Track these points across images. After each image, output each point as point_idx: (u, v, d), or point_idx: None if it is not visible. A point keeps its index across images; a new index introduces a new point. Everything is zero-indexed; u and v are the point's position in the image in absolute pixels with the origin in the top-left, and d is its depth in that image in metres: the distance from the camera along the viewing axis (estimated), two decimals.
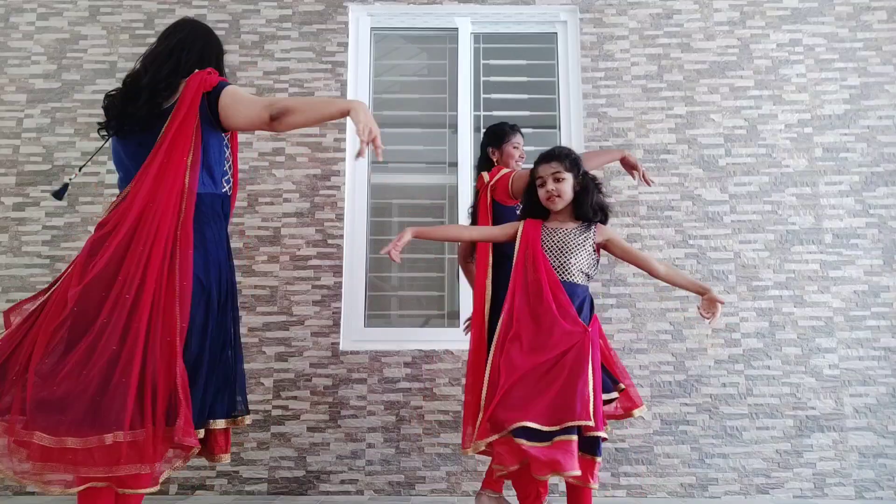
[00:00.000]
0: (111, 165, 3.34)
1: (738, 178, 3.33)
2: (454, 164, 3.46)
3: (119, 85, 1.97)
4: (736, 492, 3.03)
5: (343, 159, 3.37)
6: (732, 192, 3.32)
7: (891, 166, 3.35)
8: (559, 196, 2.30)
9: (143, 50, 2.07)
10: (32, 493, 3.02)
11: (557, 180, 2.31)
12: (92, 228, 3.28)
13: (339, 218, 3.31)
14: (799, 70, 3.45)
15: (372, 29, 3.61)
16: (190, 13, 3.46)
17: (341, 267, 3.26)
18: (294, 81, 3.44)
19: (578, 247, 2.28)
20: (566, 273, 2.26)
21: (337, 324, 3.21)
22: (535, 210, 2.39)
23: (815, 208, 3.31)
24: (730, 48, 3.48)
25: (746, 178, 3.34)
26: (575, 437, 2.01)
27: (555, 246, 2.29)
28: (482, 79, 3.58)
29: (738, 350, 3.16)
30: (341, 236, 3.29)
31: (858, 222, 3.29)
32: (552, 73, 3.58)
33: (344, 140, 3.38)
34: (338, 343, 3.18)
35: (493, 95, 3.56)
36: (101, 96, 3.46)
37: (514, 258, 2.32)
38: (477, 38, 3.63)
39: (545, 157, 2.38)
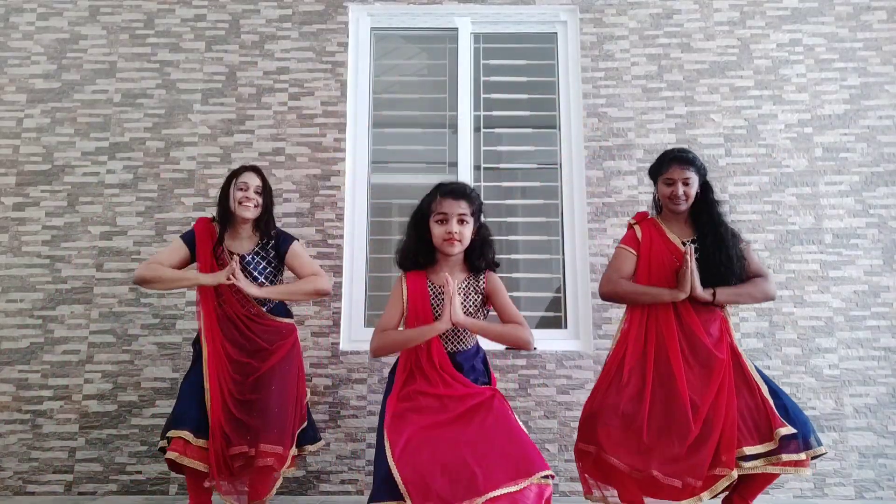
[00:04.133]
0: (111, 165, 3.35)
1: (738, 178, 3.33)
2: (454, 165, 3.45)
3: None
4: None
5: (343, 159, 3.36)
6: (732, 192, 3.32)
7: (891, 166, 3.34)
8: (459, 241, 1.93)
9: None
10: (32, 493, 3.02)
11: (462, 222, 1.94)
12: (92, 228, 3.30)
13: (339, 218, 3.31)
14: (799, 70, 3.45)
15: (372, 29, 3.61)
16: (190, 13, 3.46)
17: (341, 267, 3.27)
18: (294, 81, 3.44)
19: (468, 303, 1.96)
20: (458, 341, 1.95)
21: (337, 324, 3.21)
22: (419, 254, 1.99)
23: (815, 208, 3.31)
24: (730, 48, 3.48)
25: (746, 178, 3.34)
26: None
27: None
28: (482, 79, 3.58)
29: (738, 350, 3.15)
30: (341, 236, 3.30)
31: (858, 222, 3.29)
32: (552, 73, 3.58)
33: (344, 140, 3.38)
34: (338, 343, 3.19)
35: (493, 95, 3.56)
36: (101, 96, 3.43)
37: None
38: (477, 38, 3.63)
39: (452, 193, 1.95)
